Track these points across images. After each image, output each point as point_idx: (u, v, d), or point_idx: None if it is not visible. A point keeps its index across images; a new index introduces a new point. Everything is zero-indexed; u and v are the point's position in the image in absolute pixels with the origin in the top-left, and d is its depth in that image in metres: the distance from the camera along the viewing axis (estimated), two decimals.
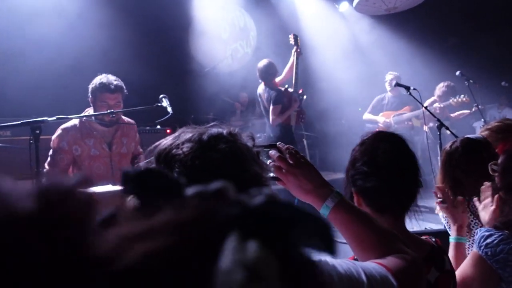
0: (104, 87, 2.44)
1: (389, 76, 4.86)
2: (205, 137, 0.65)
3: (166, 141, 0.67)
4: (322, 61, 6.13)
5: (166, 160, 0.64)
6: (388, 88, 4.90)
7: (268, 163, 0.88)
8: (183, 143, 0.65)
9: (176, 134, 0.69)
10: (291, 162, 0.86)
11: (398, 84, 3.51)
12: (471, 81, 4.08)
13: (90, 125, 2.51)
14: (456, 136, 3.33)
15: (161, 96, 2.29)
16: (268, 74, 4.07)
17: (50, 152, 2.46)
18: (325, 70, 6.04)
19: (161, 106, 2.32)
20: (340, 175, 4.17)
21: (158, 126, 3.76)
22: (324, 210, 0.80)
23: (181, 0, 5.65)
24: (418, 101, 3.38)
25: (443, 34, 7.63)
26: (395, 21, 6.87)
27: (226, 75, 5.82)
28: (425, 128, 4.43)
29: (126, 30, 4.95)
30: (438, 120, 3.02)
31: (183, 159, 0.63)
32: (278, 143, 0.91)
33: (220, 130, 0.67)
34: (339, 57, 7.51)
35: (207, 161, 0.63)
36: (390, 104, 4.83)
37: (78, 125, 2.46)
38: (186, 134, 0.67)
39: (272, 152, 0.88)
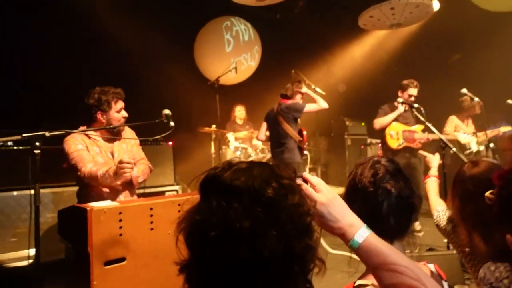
0: (117, 95, 2.49)
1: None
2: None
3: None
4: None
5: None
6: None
7: None
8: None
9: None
10: (318, 194, 0.86)
11: (403, 102, 3.49)
12: (476, 99, 4.05)
13: (91, 136, 2.51)
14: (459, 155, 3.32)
15: (164, 112, 2.27)
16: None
17: (71, 157, 2.38)
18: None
19: (163, 121, 2.29)
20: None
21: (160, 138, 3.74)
22: (353, 244, 0.83)
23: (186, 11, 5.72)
24: (421, 119, 3.36)
25: (447, 50, 7.67)
26: (400, 34, 6.92)
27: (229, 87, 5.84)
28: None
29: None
30: (442, 140, 2.99)
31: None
32: (304, 173, 0.89)
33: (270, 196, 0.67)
34: (345, 69, 7.57)
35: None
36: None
37: (82, 134, 2.45)
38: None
39: (298, 182, 0.87)
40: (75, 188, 2.65)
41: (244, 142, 6.02)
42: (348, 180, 1.17)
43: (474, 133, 5.30)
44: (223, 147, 5.64)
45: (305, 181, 0.88)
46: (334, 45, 7.26)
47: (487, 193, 1.17)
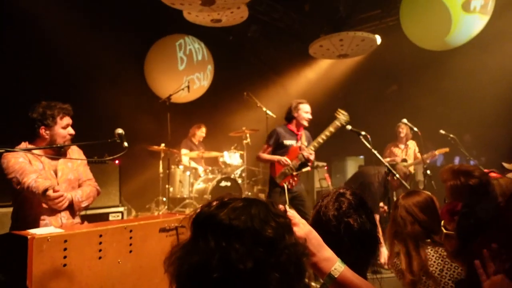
0: (64, 110, 2.34)
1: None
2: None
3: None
4: None
5: None
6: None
7: None
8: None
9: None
10: (296, 228, 0.85)
11: (351, 130, 3.66)
12: (415, 129, 4.38)
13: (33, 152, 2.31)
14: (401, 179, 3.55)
15: (117, 131, 2.15)
16: None
17: (10, 171, 2.18)
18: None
19: (116, 141, 2.18)
20: None
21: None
22: (329, 278, 0.84)
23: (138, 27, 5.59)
24: (367, 145, 3.54)
25: (386, 81, 8.28)
26: (345, 64, 7.34)
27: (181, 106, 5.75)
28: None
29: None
30: (388, 167, 3.17)
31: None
32: (280, 206, 0.88)
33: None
34: (294, 93, 7.81)
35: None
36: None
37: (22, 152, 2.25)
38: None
39: None
40: (8, 210, 2.41)
41: (196, 162, 5.92)
42: (313, 211, 1.19)
43: (404, 160, 5.75)
44: (173, 166, 5.49)
45: None
46: (285, 69, 7.50)
47: (442, 228, 1.26)
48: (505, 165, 3.84)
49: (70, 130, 2.43)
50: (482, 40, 5.03)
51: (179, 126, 5.93)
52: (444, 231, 1.54)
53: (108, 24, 5.28)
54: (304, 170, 3.97)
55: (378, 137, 6.06)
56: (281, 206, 0.87)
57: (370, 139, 3.60)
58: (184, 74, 5.99)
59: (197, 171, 5.67)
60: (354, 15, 6.38)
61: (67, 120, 2.42)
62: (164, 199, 5.12)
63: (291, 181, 3.94)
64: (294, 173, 3.94)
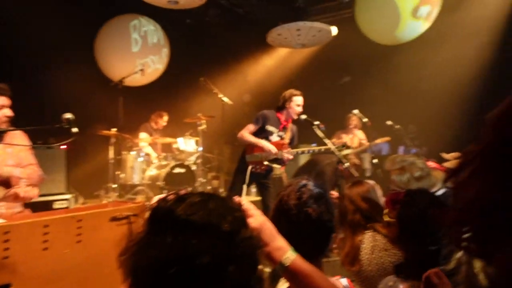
0: None
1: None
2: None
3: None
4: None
5: None
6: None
7: None
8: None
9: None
10: (250, 219, 0.86)
11: (306, 119, 3.74)
12: (365, 119, 4.57)
13: None
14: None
15: (65, 116, 2.03)
16: None
17: None
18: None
19: (63, 126, 2.06)
20: None
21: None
22: (280, 266, 0.87)
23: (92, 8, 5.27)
24: (320, 136, 3.65)
25: (339, 71, 8.54)
26: (302, 54, 7.45)
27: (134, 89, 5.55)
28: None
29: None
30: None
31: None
32: (236, 197, 0.90)
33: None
34: (251, 80, 7.83)
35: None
36: None
37: None
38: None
39: None
40: None
41: (154, 149, 5.80)
42: (276, 199, 1.22)
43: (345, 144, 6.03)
44: (124, 152, 5.31)
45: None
46: (242, 56, 7.46)
47: (385, 216, 1.35)
48: (444, 155, 4.16)
49: (6, 112, 2.26)
50: (427, 38, 5.34)
51: (132, 111, 5.73)
52: (386, 218, 1.65)
53: (57, 1, 4.91)
54: (274, 165, 3.99)
55: (330, 125, 6.30)
56: (237, 199, 0.88)
57: (323, 128, 3.71)
58: (138, 56, 5.75)
59: (150, 157, 5.53)
60: (312, 5, 6.46)
61: (2, 100, 2.25)
62: (114, 186, 4.96)
63: (257, 167, 3.96)
64: (265, 162, 3.96)
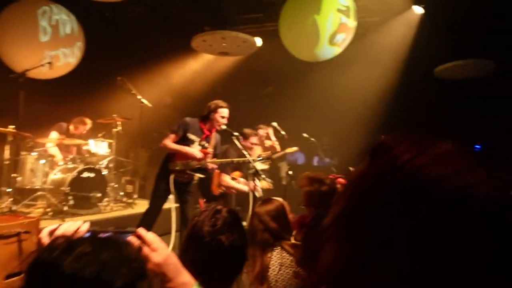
0: None
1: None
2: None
3: None
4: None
5: None
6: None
7: None
8: None
9: None
10: (153, 254, 0.83)
11: (226, 130, 3.76)
12: (283, 132, 4.74)
13: None
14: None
15: None
16: None
17: None
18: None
19: None
20: None
21: None
22: None
23: None
24: (239, 147, 3.69)
25: (263, 82, 8.78)
26: (227, 61, 7.49)
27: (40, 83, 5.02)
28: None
29: None
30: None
31: None
32: (139, 229, 0.84)
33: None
34: (174, 83, 7.62)
35: None
36: None
37: None
38: None
39: (132, 239, 0.82)
40: None
41: (66, 151, 5.31)
42: (190, 225, 1.19)
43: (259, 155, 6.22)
44: (23, 152, 4.76)
45: (140, 237, 0.85)
46: (166, 57, 7.24)
47: (292, 238, 1.39)
48: (352, 169, 4.51)
49: None
50: (338, 60, 5.77)
51: (37, 107, 5.17)
52: (292, 241, 1.71)
53: None
54: (197, 175, 3.88)
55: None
56: (135, 244, 0.82)
57: (242, 139, 3.76)
58: (46, 47, 5.22)
59: (54, 159, 5.04)
60: (238, 15, 6.53)
61: None
62: (9, 190, 4.41)
63: (180, 176, 3.82)
64: (188, 171, 3.83)
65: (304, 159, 8.89)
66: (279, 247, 1.87)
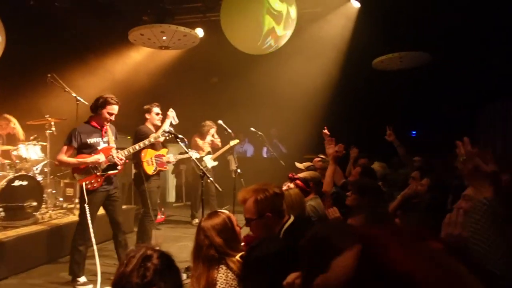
0: None
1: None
2: None
3: None
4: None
5: None
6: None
7: None
8: None
9: None
10: None
11: (169, 132, 3.63)
12: (229, 130, 4.69)
13: None
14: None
15: None
16: None
17: None
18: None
19: None
20: None
21: None
22: None
23: None
24: (185, 150, 3.59)
25: (208, 72, 8.57)
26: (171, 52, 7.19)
27: None
28: None
29: None
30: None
31: None
32: None
33: None
34: (112, 78, 7.18)
35: None
36: None
37: None
38: None
39: None
40: None
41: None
42: (115, 275, 1.09)
43: (209, 152, 6.16)
44: None
45: None
46: (103, 50, 6.78)
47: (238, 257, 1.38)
48: (297, 164, 4.55)
49: None
50: (281, 52, 5.77)
51: None
52: (238, 259, 1.68)
53: None
54: (110, 172, 3.65)
55: (195, 126, 6.30)
56: None
57: (187, 142, 3.66)
58: None
59: None
60: (178, 4, 6.24)
61: None
62: None
63: (93, 181, 3.56)
64: (99, 174, 3.59)
65: (253, 151, 8.93)
66: (225, 265, 1.83)
